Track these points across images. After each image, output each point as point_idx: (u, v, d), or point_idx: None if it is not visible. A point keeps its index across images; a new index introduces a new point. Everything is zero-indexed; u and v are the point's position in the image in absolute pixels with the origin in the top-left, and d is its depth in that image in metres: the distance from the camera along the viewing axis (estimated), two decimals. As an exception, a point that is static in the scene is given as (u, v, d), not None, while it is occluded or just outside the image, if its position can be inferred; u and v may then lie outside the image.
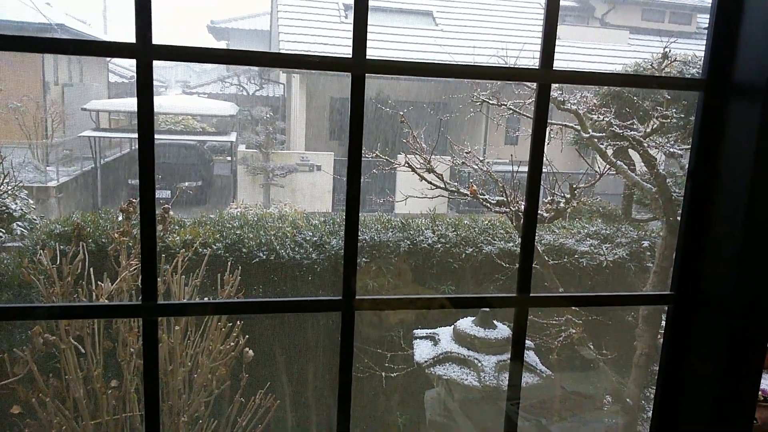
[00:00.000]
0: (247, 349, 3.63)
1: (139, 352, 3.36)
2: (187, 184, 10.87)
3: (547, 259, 4.18)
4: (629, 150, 4.54)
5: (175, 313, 1.22)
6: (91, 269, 3.40)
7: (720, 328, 1.33)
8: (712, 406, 1.38)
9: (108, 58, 16.41)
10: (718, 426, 1.39)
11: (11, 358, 3.16)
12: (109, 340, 3.35)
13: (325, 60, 1.01)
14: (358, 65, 1.01)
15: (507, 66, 1.37)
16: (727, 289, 1.28)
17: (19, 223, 5.90)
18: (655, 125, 3.93)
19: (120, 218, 3.88)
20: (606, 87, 5.06)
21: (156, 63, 1.04)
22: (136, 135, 1.04)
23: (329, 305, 1.26)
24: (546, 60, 1.11)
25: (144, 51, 0.94)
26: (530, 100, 4.06)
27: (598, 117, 4.18)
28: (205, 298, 3.58)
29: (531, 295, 1.29)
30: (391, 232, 4.84)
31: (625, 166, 4.23)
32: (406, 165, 4.09)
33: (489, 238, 4.92)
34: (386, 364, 4.33)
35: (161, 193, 10.11)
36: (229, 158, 13.06)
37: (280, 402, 3.75)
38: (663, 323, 4.46)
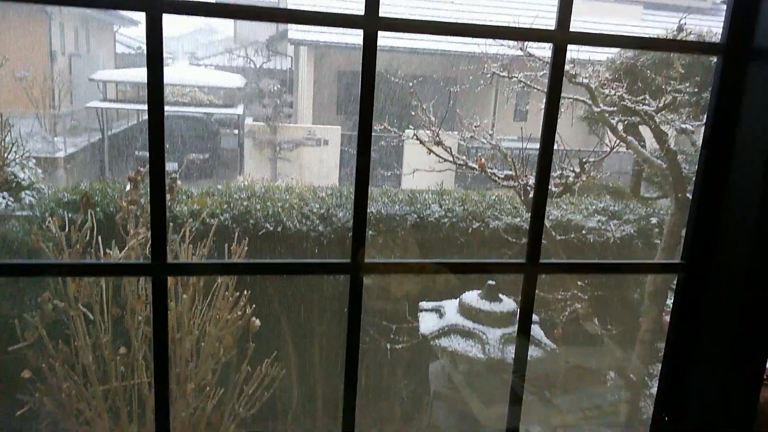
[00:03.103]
0: (254, 318, 3.66)
1: (147, 320, 3.39)
2: (194, 156, 10.86)
3: (554, 234, 4.17)
4: (639, 127, 4.49)
5: (184, 272, 1.22)
6: (99, 237, 3.42)
7: (731, 299, 1.32)
8: (721, 377, 1.37)
9: (115, 28, 16.30)
10: (726, 397, 1.39)
11: (21, 323, 3.19)
12: (118, 307, 3.38)
13: (337, 17, 0.99)
14: (371, 22, 0.99)
15: (521, 26, 1.34)
16: (741, 258, 1.27)
17: (28, 192, 5.93)
18: (668, 100, 3.88)
19: (128, 187, 3.89)
20: (618, 61, 4.97)
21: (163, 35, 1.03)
22: (143, 106, 1.03)
23: (337, 268, 1.26)
24: (562, 21, 1.09)
25: (153, 3, 0.93)
26: (542, 73, 4.01)
27: (610, 91, 4.12)
28: (213, 268, 3.59)
29: (540, 261, 1.28)
30: (398, 205, 4.83)
31: (636, 142, 4.18)
32: (415, 138, 4.06)
33: (496, 213, 4.90)
34: (391, 336, 4.35)
35: (168, 166, 10.07)
36: (236, 131, 13.02)
37: (286, 371, 3.79)
38: (669, 301, 4.46)
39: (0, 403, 3.37)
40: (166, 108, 1.08)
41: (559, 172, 3.74)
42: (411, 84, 4.11)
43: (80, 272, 1.22)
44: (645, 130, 4.42)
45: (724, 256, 1.33)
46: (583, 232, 4.78)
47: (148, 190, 1.08)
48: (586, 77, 4.02)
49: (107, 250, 3.29)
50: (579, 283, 4.10)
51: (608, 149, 3.91)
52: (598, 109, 3.89)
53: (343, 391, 1.32)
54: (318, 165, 11.97)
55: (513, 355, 1.50)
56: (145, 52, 1.02)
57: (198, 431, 3.54)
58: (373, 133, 1.12)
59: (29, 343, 3.16)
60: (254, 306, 3.62)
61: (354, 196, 1.12)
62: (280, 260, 1.34)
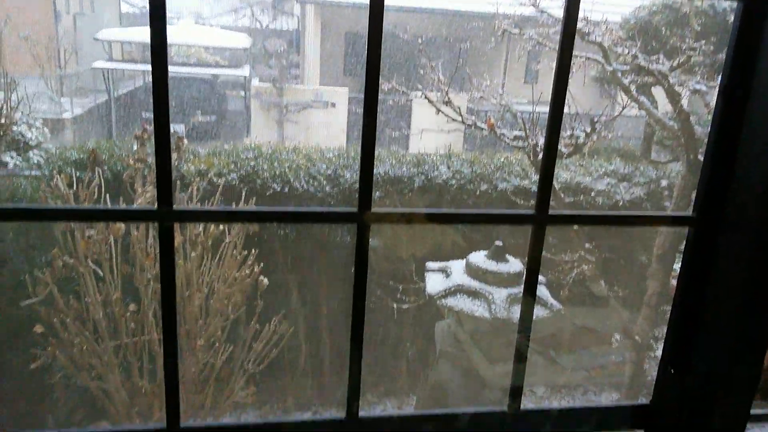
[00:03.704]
0: (262, 277, 3.69)
1: (156, 277, 3.42)
2: (200, 118, 10.80)
3: (562, 196, 4.14)
4: (652, 90, 4.41)
5: (191, 218, 1.21)
6: (107, 195, 3.43)
7: (742, 254, 1.30)
8: (728, 333, 1.36)
9: (119, -12, 16.02)
10: (732, 354, 1.38)
11: (32, 279, 3.23)
12: (127, 264, 3.41)
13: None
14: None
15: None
16: (753, 212, 1.25)
17: (35, 151, 5.93)
18: (682, 59, 3.79)
19: (135, 146, 3.88)
20: (632, 21, 4.86)
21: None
22: (149, 67, 1.00)
23: (345, 217, 1.25)
24: (579, -39, 1.05)
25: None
26: (554, 30, 3.92)
27: (623, 51, 4.03)
28: (221, 226, 3.61)
29: (549, 213, 1.26)
30: (406, 166, 4.80)
31: (648, 102, 4.11)
32: (424, 97, 4.00)
33: (504, 175, 4.87)
34: (398, 296, 4.38)
35: (174, 127, 10.03)
36: (242, 93, 12.90)
37: (294, 329, 3.84)
38: (676, 266, 4.46)
39: (14, 357, 3.44)
40: (170, 68, 1.05)
41: (569, 133, 3.69)
42: (420, 41, 4.03)
43: (88, 217, 1.21)
44: (657, 93, 4.35)
45: (735, 210, 1.31)
46: (592, 194, 4.74)
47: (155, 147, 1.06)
48: (599, 35, 3.93)
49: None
50: (587, 245, 4.09)
51: (621, 106, 3.84)
52: (611, 68, 3.81)
53: (349, 348, 1.32)
54: (325, 128, 11.88)
55: (519, 315, 1.49)
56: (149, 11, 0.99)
57: (208, 386, 3.61)
58: (381, 93, 1.09)
59: (40, 299, 3.20)
60: (262, 264, 3.64)
61: (361, 142, 1.10)
62: (288, 208, 1.32)
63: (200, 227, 3.56)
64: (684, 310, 1.39)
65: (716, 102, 1.23)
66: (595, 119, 3.62)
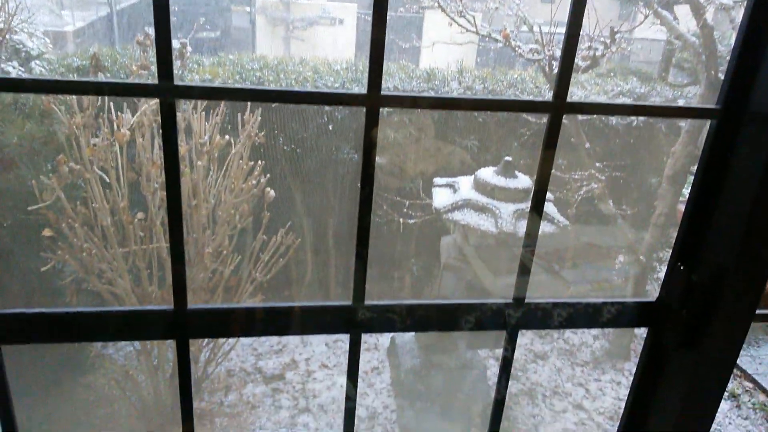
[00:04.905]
0: (268, 189, 3.68)
1: (162, 186, 3.42)
2: (204, 33, 10.49)
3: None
4: (674, 8, 4.21)
5: (194, 95, 1.16)
6: (111, 103, 3.36)
7: (761, 149, 1.26)
8: (741, 230, 1.34)
9: None
10: (742, 253, 1.36)
11: (39, 185, 3.23)
12: (133, 172, 3.39)
13: None
14: None
15: None
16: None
17: (37, 62, 5.81)
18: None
19: (137, 54, 3.77)
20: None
21: None
22: None
23: (353, 99, 1.20)
24: None
25: None
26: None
27: (649, -41, 3.81)
28: (227, 136, 3.56)
29: (567, 101, 1.21)
30: (416, 81, 4.68)
31: (670, 17, 3.93)
32: (437, 6, 3.83)
33: (518, 93, 4.75)
34: (404, 210, 4.38)
35: (176, 43, 9.76)
36: (247, 8, 12.47)
37: (301, 240, 3.87)
38: (685, 190, 4.41)
39: (25, 260, 3.50)
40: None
41: (588, 44, 3.55)
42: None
43: (87, 90, 1.16)
44: (679, 12, 4.16)
45: (760, 102, 1.25)
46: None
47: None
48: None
49: (119, 113, 3.25)
50: (597, 164, 4.04)
51: (643, 16, 3.66)
52: (635, -23, 3.61)
53: (356, 239, 1.31)
54: (333, 46, 11.55)
55: (524, 230, 1.46)
56: None
57: (216, 294, 3.68)
58: (391, 1, 1.01)
59: (48, 204, 3.21)
60: (268, 176, 3.62)
61: (371, 23, 1.03)
62: (296, 89, 1.27)
63: (206, 137, 3.52)
64: (698, 205, 1.36)
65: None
66: (616, 29, 3.47)
